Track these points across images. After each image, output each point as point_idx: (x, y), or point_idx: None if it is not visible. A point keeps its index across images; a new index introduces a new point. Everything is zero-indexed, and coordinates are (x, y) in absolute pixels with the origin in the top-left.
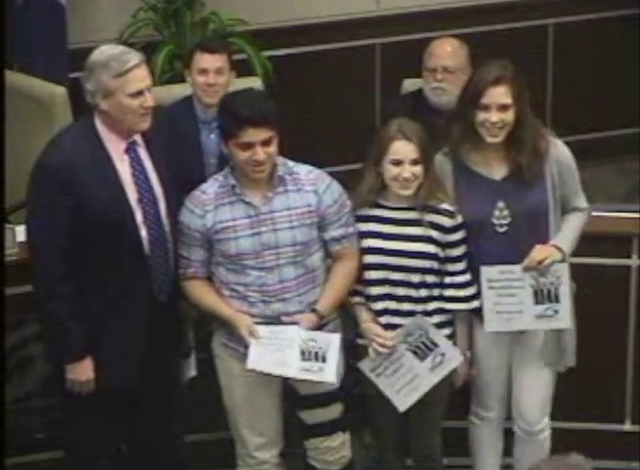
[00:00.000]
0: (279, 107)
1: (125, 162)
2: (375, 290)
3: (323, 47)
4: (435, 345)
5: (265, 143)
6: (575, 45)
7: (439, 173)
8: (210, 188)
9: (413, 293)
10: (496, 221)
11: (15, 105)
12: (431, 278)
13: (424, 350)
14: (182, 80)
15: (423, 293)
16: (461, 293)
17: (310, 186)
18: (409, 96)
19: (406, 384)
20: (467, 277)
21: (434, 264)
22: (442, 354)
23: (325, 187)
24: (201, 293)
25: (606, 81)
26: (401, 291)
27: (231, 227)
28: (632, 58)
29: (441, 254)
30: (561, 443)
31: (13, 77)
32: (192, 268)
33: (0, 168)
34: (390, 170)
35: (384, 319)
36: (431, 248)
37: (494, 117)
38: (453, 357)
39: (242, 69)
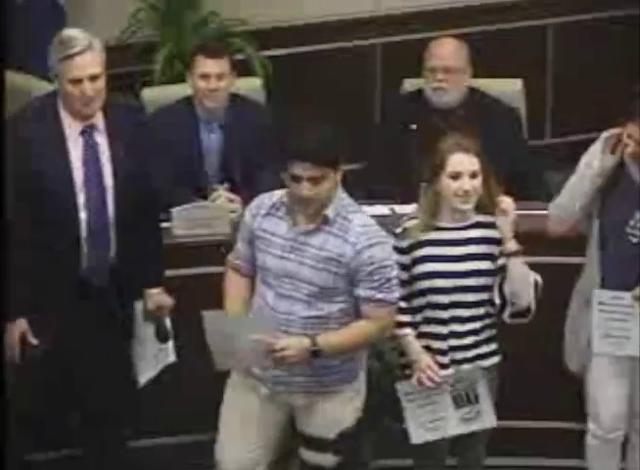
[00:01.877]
0: (344, 144)
1: (79, 143)
2: (437, 314)
3: (323, 47)
4: (477, 400)
5: (314, 180)
6: (575, 45)
7: (593, 152)
8: (275, 197)
9: (474, 312)
10: (630, 230)
11: (14, 103)
12: (488, 294)
13: (464, 399)
14: (182, 80)
15: (482, 310)
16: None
17: (353, 238)
18: (409, 96)
19: (431, 421)
20: None
21: (490, 281)
22: (478, 412)
23: (367, 244)
24: (229, 288)
25: (605, 81)
26: (464, 312)
27: (267, 240)
28: (632, 58)
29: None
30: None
31: (12, 77)
32: (238, 260)
33: (0, 168)
34: (450, 185)
35: (446, 359)
36: (488, 264)
37: None
38: (488, 419)
39: (241, 68)
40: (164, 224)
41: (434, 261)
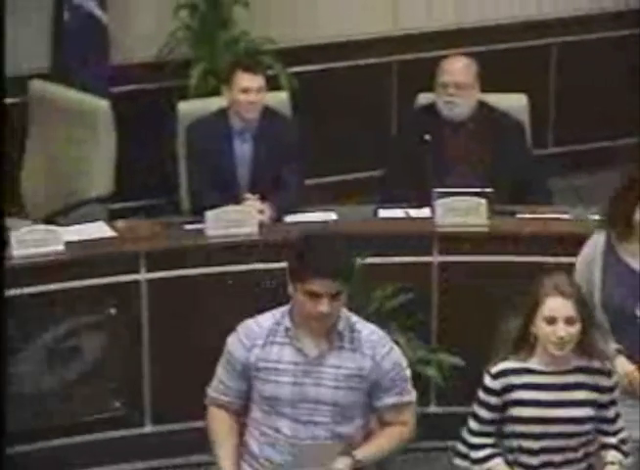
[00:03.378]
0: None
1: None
2: (527, 459)
3: (344, 64)
4: None
5: (333, 296)
6: (575, 63)
7: (592, 249)
8: (266, 322)
9: (570, 456)
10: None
11: (61, 117)
12: (587, 438)
13: None
14: (215, 94)
15: (580, 454)
16: (619, 456)
17: (369, 350)
18: (423, 109)
19: None
20: (624, 435)
21: (591, 426)
22: None
23: (384, 353)
24: (219, 430)
25: (602, 96)
26: (556, 457)
27: (274, 369)
28: (631, 75)
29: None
30: None
31: (59, 91)
32: (228, 397)
33: (0, 167)
34: (544, 329)
35: None
36: (587, 411)
37: None
38: None
39: (269, 83)
40: (199, 225)
41: (526, 406)
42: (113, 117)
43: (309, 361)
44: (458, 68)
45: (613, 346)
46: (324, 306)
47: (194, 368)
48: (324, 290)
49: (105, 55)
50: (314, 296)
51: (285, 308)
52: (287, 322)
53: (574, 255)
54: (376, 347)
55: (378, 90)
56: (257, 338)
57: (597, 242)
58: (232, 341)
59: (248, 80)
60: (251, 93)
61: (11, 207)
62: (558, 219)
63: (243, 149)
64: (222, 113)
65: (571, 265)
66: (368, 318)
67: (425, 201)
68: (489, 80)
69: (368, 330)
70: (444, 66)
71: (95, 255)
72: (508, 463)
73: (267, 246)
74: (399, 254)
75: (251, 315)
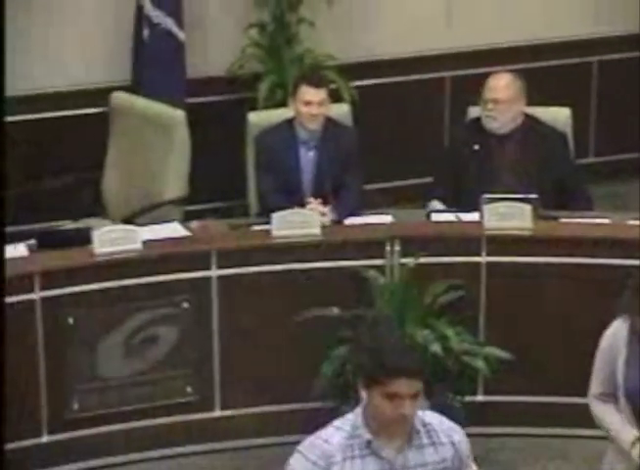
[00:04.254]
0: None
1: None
2: None
3: (401, 78)
4: None
5: (414, 395)
6: (615, 79)
7: (613, 339)
8: (334, 438)
9: None
10: None
11: (140, 126)
12: None
13: None
14: (282, 106)
15: None
16: None
17: (446, 438)
18: (472, 121)
19: None
20: None
21: None
22: None
23: (460, 437)
24: None
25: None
26: None
27: None
28: None
29: None
30: None
31: (139, 102)
32: None
33: (1, 165)
34: None
35: None
36: None
37: None
38: None
39: (332, 96)
40: (266, 226)
41: None
42: (187, 126)
43: (395, 467)
44: (498, 85)
45: (634, 433)
46: (407, 408)
47: (259, 357)
48: (407, 391)
49: (181, 69)
50: (395, 398)
51: (351, 418)
52: (366, 434)
53: (613, 257)
54: (451, 434)
55: (432, 103)
56: (333, 456)
57: (619, 330)
58: (300, 463)
59: (310, 94)
60: (313, 106)
61: (94, 208)
62: (598, 224)
63: (307, 156)
64: (289, 123)
65: (610, 267)
66: (421, 314)
67: (471, 206)
68: (536, 95)
69: (437, 419)
70: (488, 82)
71: (170, 253)
72: None
73: (328, 246)
74: (450, 254)
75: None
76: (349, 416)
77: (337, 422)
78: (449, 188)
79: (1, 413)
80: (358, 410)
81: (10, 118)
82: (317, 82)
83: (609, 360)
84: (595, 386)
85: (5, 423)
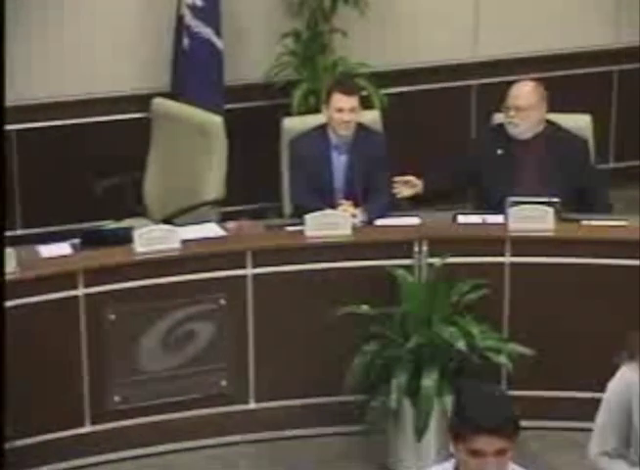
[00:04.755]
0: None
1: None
2: None
3: (428, 86)
4: None
5: (499, 452)
6: (635, 88)
7: (627, 393)
8: None
9: None
10: None
11: (180, 130)
12: None
13: None
14: (315, 112)
15: None
16: None
17: None
18: (496, 127)
19: None
20: None
21: None
22: None
23: None
24: None
25: None
26: None
27: None
28: None
29: None
30: None
31: (179, 108)
32: None
33: (1, 167)
34: None
35: None
36: None
37: None
38: None
39: (363, 103)
40: (299, 227)
41: None
42: (225, 130)
43: None
44: (520, 92)
45: None
46: (490, 466)
47: (291, 352)
48: (489, 448)
49: (219, 76)
50: (479, 454)
51: (447, 468)
52: None
53: (631, 258)
54: None
55: (458, 110)
56: None
57: (632, 382)
58: None
59: (342, 101)
60: (344, 113)
61: (135, 208)
62: (617, 227)
63: (339, 160)
64: (322, 128)
65: (628, 268)
66: (448, 312)
67: (495, 208)
68: (558, 102)
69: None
70: (511, 90)
71: (207, 252)
72: None
73: (359, 246)
74: (475, 255)
75: (340, 307)
76: (446, 465)
77: (436, 467)
78: (474, 191)
79: (1, 413)
80: (453, 461)
81: (59, 122)
82: (349, 90)
83: (625, 415)
84: (605, 442)
85: (5, 423)
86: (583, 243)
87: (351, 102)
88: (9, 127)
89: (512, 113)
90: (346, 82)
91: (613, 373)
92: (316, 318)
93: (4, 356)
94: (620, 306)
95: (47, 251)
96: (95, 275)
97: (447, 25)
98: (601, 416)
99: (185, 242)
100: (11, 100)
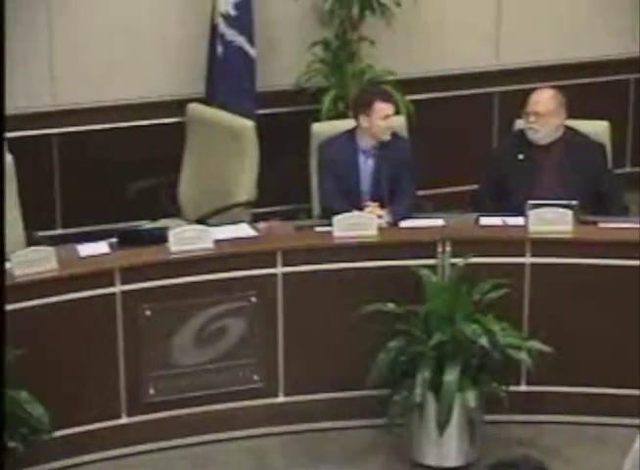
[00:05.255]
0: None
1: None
2: None
3: (453, 93)
4: None
5: None
6: None
7: None
8: None
9: None
10: None
11: (214, 134)
12: None
13: None
14: (343, 117)
15: None
16: None
17: None
18: (518, 133)
19: None
20: None
21: None
22: None
23: None
24: None
25: None
26: None
27: None
28: None
29: None
30: None
31: (213, 113)
32: None
33: (0, 171)
34: None
35: None
36: None
37: None
38: None
39: None
40: (327, 228)
41: None
42: (256, 135)
43: None
44: (539, 99)
45: None
46: None
47: (319, 348)
48: None
49: (252, 83)
50: None
51: None
52: None
53: None
54: None
55: (481, 116)
56: None
57: None
58: None
59: (387, 109)
60: (389, 119)
61: (170, 209)
62: (633, 228)
63: (367, 164)
64: (350, 133)
65: None
66: (470, 310)
67: (515, 211)
68: (577, 109)
69: None
70: (531, 96)
71: (239, 251)
72: None
73: (385, 246)
74: (497, 255)
75: (366, 305)
76: None
77: None
78: (493, 193)
79: (1, 413)
80: None
81: (98, 126)
82: (388, 97)
83: None
84: None
85: (5, 423)
86: (601, 244)
87: (392, 107)
88: (50, 131)
89: (532, 118)
90: (383, 90)
91: (628, 370)
92: (343, 315)
93: (4, 356)
94: (634, 306)
95: (86, 250)
96: (131, 273)
97: (471, 35)
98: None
99: (218, 242)
100: (52, 105)
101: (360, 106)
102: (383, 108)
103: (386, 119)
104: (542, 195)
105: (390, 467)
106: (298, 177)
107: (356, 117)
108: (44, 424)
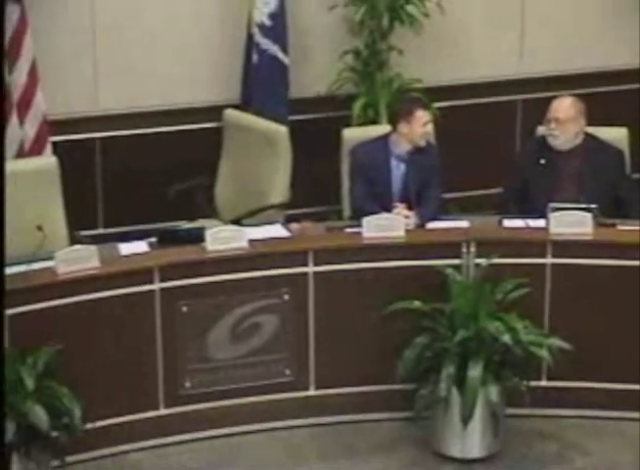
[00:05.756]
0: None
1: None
2: None
3: (478, 101)
4: None
5: None
6: None
7: None
8: None
9: None
10: None
11: (249, 139)
12: None
13: None
14: (373, 123)
15: None
16: None
17: None
18: (540, 139)
19: None
20: None
21: None
22: None
23: None
24: None
25: None
26: None
27: None
28: None
29: None
30: None
31: (248, 118)
32: None
33: (0, 175)
34: None
35: None
36: None
37: None
38: None
39: None
40: (357, 229)
41: None
42: (290, 140)
43: None
44: (560, 106)
45: None
46: None
47: (349, 344)
48: None
49: (285, 90)
50: None
51: None
52: None
53: None
54: None
55: (504, 123)
56: None
57: None
58: None
59: (427, 116)
60: (427, 125)
61: (207, 210)
62: None
63: (399, 168)
64: (382, 138)
65: None
66: (493, 308)
67: (537, 213)
68: (597, 116)
69: None
70: (552, 104)
71: (272, 251)
72: None
73: (412, 247)
74: (519, 256)
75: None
76: None
77: None
78: (517, 196)
79: (1, 413)
80: None
81: (139, 131)
82: (425, 105)
83: None
84: None
85: (5, 423)
86: (619, 246)
87: (429, 115)
88: (94, 135)
89: (552, 125)
90: (421, 100)
91: None
92: (371, 313)
93: (3, 356)
94: None
95: (126, 248)
96: (170, 271)
97: (495, 45)
98: None
99: (252, 241)
100: (97, 110)
101: (402, 113)
102: (422, 115)
103: (424, 126)
104: (563, 199)
105: (416, 459)
106: (330, 180)
107: (396, 124)
108: (77, 418)
